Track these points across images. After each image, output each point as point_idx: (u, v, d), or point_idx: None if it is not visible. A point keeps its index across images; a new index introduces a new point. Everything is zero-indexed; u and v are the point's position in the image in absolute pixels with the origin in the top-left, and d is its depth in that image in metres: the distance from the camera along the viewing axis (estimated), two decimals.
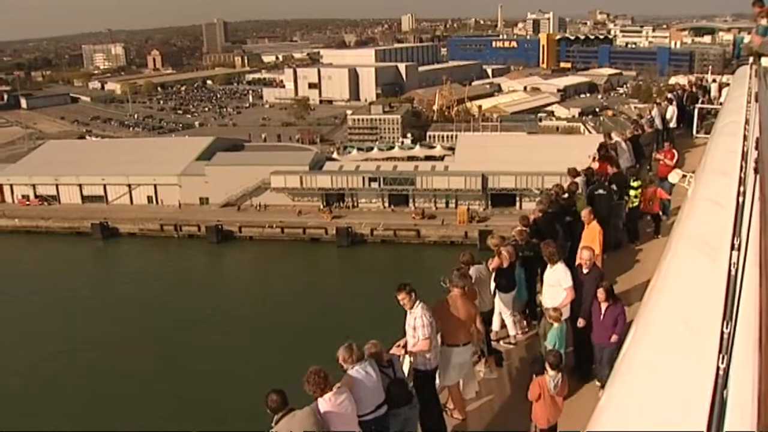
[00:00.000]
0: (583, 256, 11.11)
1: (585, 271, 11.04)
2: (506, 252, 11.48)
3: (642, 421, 1.93)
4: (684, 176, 16.62)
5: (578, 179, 15.48)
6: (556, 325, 10.17)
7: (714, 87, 30.83)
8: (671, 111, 25.25)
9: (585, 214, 13.13)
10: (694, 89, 29.02)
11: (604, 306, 10.19)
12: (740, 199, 3.49)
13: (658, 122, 23.89)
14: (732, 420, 1.78)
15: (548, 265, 11.13)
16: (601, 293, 10.16)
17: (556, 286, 10.88)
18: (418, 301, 8.63)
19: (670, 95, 28.91)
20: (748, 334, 2.11)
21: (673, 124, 24.85)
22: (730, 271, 2.59)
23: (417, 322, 8.56)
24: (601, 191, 15.11)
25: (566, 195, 14.52)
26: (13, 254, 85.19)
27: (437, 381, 9.27)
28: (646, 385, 2.13)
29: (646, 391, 2.09)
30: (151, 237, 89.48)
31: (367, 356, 7.86)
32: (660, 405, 1.97)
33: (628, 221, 16.26)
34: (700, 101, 26.75)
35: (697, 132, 24.72)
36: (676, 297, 2.71)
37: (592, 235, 12.81)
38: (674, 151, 18.72)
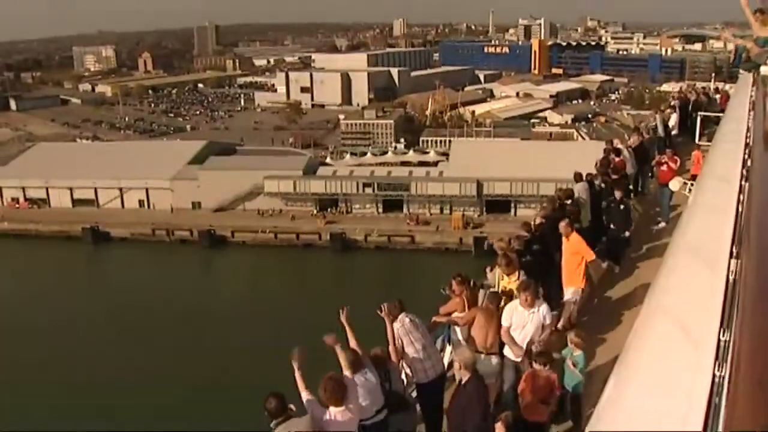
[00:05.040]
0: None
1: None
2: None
3: (639, 424, 2.00)
4: (684, 183, 16.49)
5: (578, 185, 15.09)
6: (579, 352, 9.10)
7: (717, 94, 30.63)
8: (674, 118, 25.09)
9: (563, 226, 12.01)
10: (700, 96, 28.69)
11: None
12: (740, 208, 3.59)
13: (660, 129, 23.64)
14: (726, 425, 1.87)
15: (519, 305, 9.33)
16: None
17: (529, 329, 9.30)
18: (401, 314, 8.77)
19: (673, 102, 28.62)
20: (744, 342, 2.15)
21: (675, 132, 24.63)
22: (728, 279, 2.66)
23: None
24: (613, 205, 14.65)
25: (569, 201, 13.93)
26: (1, 257, 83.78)
27: None
28: (642, 392, 2.13)
29: (641, 399, 2.11)
30: (143, 241, 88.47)
31: (369, 358, 8.01)
32: (656, 411, 2.01)
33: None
34: (704, 108, 26.40)
35: (699, 139, 24.41)
36: (674, 304, 2.69)
37: (577, 247, 11.85)
38: (676, 157, 18.40)
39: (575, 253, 11.80)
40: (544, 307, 9.25)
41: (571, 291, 11.85)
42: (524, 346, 9.24)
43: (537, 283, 9.68)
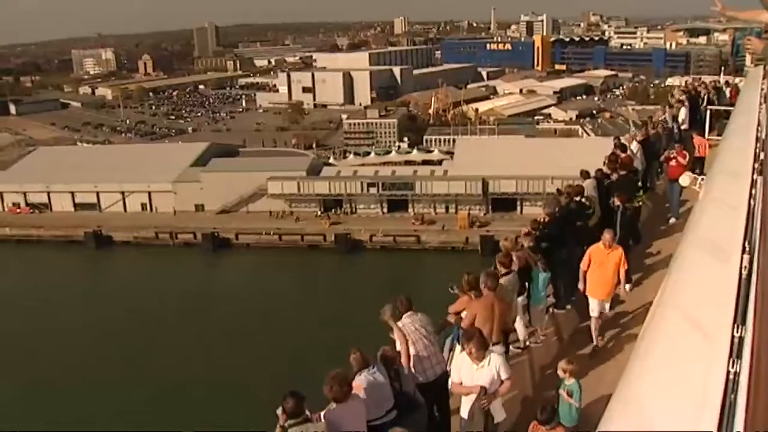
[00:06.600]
0: None
1: None
2: (515, 256, 10.76)
3: (651, 423, 2.00)
4: (695, 179, 16.02)
5: (587, 182, 14.68)
6: (572, 380, 8.46)
7: (728, 88, 30.15)
8: (684, 113, 24.67)
9: (608, 238, 11.08)
10: (710, 90, 28.29)
11: None
12: (752, 202, 3.58)
13: (670, 124, 23.21)
14: (741, 422, 1.89)
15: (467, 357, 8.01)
16: None
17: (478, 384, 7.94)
18: (407, 312, 8.72)
19: (682, 97, 28.21)
20: (759, 338, 2.15)
21: (684, 126, 24.24)
22: (741, 274, 2.65)
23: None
24: (619, 212, 13.87)
25: (578, 197, 13.53)
26: (2, 263, 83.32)
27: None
28: (654, 390, 2.11)
29: (653, 397, 2.08)
30: (146, 245, 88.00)
31: (378, 359, 7.94)
32: (669, 410, 2.01)
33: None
34: (714, 102, 25.99)
35: (709, 134, 24.04)
36: (686, 300, 2.63)
37: (619, 259, 11.07)
38: (685, 152, 17.93)
39: (611, 265, 11.15)
40: (495, 360, 7.92)
41: (596, 303, 11.24)
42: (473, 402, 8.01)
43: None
